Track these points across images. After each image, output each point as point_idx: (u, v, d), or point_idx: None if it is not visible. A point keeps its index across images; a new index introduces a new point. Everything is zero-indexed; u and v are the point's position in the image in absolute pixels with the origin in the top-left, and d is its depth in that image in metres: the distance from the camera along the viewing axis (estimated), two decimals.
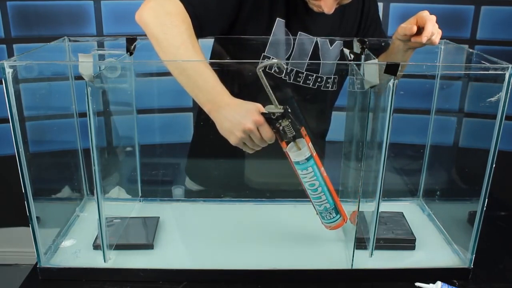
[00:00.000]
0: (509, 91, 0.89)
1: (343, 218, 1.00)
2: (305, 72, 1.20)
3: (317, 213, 1.02)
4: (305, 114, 1.22)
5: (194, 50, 0.98)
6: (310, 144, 0.94)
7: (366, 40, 1.15)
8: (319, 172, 0.96)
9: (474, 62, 1.03)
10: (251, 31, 1.14)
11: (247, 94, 1.01)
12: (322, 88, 1.23)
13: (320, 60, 1.20)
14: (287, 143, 0.95)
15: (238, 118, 0.91)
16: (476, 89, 1.18)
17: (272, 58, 1.15)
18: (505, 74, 0.89)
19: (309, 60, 1.20)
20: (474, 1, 1.97)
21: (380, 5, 1.98)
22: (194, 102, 1.01)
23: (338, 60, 1.23)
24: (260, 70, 0.88)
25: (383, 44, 1.21)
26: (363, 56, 1.14)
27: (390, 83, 0.88)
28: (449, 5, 1.98)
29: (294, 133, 0.92)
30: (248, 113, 0.91)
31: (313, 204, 1.00)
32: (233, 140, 0.94)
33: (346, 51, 1.16)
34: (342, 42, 1.22)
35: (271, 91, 0.90)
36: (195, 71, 0.96)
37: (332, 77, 1.23)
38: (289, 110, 0.90)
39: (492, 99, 0.92)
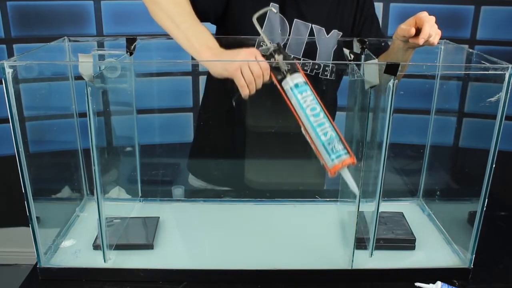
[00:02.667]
0: (509, 91, 0.89)
1: (350, 155, 0.90)
2: (302, 59, 1.20)
3: (322, 164, 0.92)
4: None
5: (190, 10, 1.05)
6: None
7: (366, 40, 1.16)
8: (318, 99, 0.92)
9: (474, 62, 1.03)
10: (248, 18, 1.14)
11: None
12: (320, 76, 1.24)
13: (317, 47, 1.21)
14: (282, 80, 0.94)
15: (237, 51, 0.98)
16: (476, 89, 1.18)
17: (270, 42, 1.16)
18: (505, 74, 0.89)
19: (305, 46, 1.20)
20: (474, 1, 1.98)
21: (380, 5, 1.99)
22: (194, 102, 1.01)
23: (335, 49, 1.23)
24: (255, 18, 0.99)
25: (383, 44, 1.21)
26: (363, 56, 1.14)
27: (390, 83, 0.88)
28: (449, 5, 1.98)
29: (289, 66, 0.94)
30: (245, 49, 0.99)
31: (315, 141, 0.92)
32: (232, 67, 0.95)
33: (346, 51, 1.16)
34: (339, 32, 1.23)
35: (264, 32, 0.99)
36: (193, 22, 1.03)
37: (330, 65, 1.24)
38: (282, 46, 0.97)
39: (492, 99, 0.92)
